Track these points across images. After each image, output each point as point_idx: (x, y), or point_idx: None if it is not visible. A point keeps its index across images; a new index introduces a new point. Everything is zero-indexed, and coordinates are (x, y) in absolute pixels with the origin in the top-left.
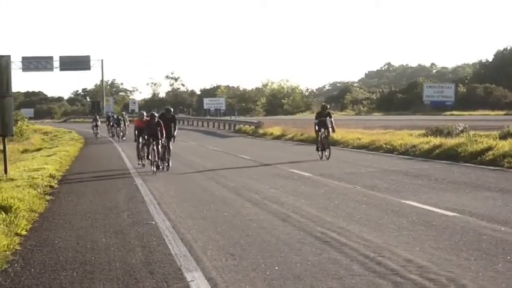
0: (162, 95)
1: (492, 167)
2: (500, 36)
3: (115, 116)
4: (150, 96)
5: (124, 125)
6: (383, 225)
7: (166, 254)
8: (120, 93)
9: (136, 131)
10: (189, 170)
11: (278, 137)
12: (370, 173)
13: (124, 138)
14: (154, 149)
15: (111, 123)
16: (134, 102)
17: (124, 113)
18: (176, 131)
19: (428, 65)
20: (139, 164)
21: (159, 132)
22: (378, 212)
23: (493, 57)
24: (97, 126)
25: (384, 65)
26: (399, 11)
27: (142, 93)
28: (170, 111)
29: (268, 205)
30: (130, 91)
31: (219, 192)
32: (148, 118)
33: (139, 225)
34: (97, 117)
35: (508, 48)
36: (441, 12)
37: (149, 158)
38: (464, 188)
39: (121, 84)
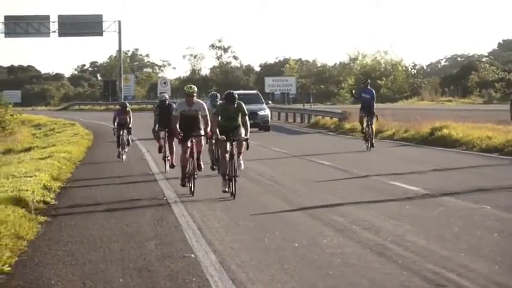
0: (206, 71)
1: None
2: None
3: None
4: (188, 73)
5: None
6: None
7: None
8: (145, 70)
9: None
10: (246, 183)
11: None
12: (506, 188)
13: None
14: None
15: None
16: (165, 83)
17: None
18: None
19: None
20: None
21: None
22: None
23: None
24: (126, 129)
25: None
26: None
27: (176, 70)
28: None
29: (358, 233)
30: (159, 66)
31: (287, 213)
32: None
33: (172, 259)
34: (127, 106)
35: None
36: None
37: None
38: None
39: (146, 56)
